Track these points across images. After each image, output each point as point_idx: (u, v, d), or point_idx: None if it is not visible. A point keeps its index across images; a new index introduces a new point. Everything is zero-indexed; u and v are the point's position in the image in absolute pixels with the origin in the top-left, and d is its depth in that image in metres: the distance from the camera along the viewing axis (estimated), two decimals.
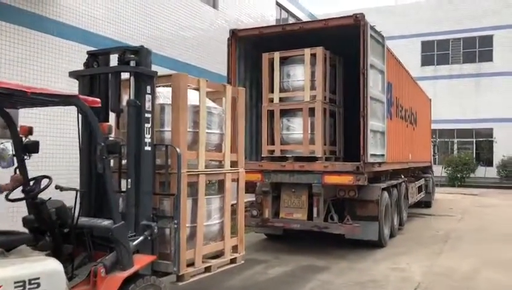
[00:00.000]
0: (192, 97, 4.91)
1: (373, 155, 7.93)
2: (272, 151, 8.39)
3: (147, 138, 4.36)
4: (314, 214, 7.87)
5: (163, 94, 4.89)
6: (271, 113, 8.39)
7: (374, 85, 8.08)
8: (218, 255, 5.20)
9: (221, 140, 5.23)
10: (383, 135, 8.58)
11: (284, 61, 8.44)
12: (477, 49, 27.34)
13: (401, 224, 10.68)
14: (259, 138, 9.07)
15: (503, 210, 15.10)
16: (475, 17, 26.77)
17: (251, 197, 9.01)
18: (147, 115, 4.35)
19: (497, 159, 25.63)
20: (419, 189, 13.70)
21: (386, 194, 8.92)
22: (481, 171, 25.69)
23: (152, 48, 4.50)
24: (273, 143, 8.39)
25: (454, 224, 11.89)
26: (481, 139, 27.10)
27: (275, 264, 7.48)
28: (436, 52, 28.07)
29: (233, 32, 8.69)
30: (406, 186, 11.25)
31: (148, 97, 4.37)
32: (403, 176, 11.18)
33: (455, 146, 27.80)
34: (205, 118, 4.91)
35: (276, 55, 8.35)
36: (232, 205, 5.41)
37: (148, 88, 4.39)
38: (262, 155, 8.45)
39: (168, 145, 4.56)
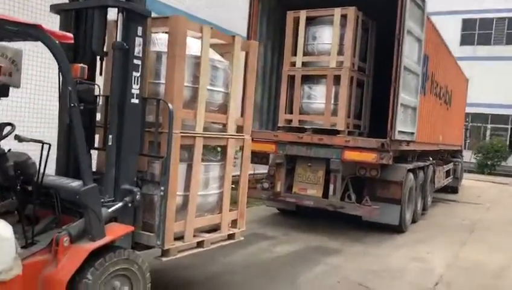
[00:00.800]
0: (194, 47, 4.18)
1: (401, 132, 7.09)
2: (290, 121, 7.63)
3: (135, 89, 3.69)
4: (330, 192, 7.13)
5: (162, 41, 4.18)
6: (291, 79, 7.59)
7: (410, 54, 7.16)
8: (214, 229, 4.55)
9: (226, 100, 4.50)
10: (414, 111, 7.69)
11: (310, 21, 7.55)
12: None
13: (425, 209, 9.86)
14: (277, 105, 8.31)
15: None
16: None
17: (265, 170, 8.34)
18: (135, 61, 3.66)
19: None
20: (447, 173, 12.76)
21: (411, 175, 8.10)
22: None
23: None
24: (291, 112, 7.62)
25: (481, 213, 10.99)
26: None
27: (283, 242, 6.84)
28: (477, 31, 26.31)
29: None
30: (433, 170, 10.37)
31: (138, 40, 3.67)
32: (431, 158, 10.30)
33: (488, 132, 26.35)
34: (207, 72, 4.17)
35: (303, 14, 7.47)
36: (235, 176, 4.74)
37: (140, 30, 3.68)
38: (279, 125, 7.69)
39: (159, 99, 3.87)
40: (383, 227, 7.70)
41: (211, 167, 4.38)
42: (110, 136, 3.62)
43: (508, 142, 25.07)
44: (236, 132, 4.65)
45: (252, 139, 4.96)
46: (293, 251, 6.41)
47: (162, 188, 3.71)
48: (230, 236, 4.63)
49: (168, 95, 3.89)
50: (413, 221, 8.68)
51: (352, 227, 7.86)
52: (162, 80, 4.05)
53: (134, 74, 3.66)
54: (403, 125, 7.14)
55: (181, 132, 3.94)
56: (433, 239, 7.77)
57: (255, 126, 7.29)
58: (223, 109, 4.51)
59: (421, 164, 9.03)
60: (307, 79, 7.50)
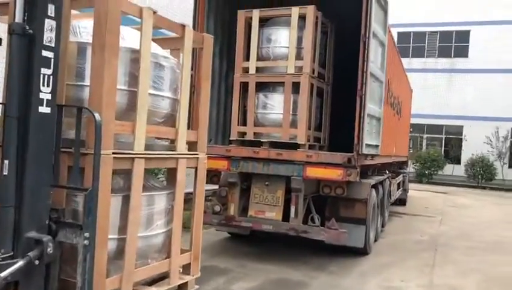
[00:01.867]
0: (130, 38, 3.09)
1: (368, 146, 6.30)
2: (243, 134, 6.62)
3: (44, 93, 2.54)
4: (292, 214, 6.18)
5: (86, 30, 3.05)
6: (244, 87, 6.60)
7: (375, 59, 6.41)
8: (161, 277, 3.44)
9: (174, 109, 3.44)
10: (378, 121, 6.96)
11: (264, 22, 6.64)
12: (453, 44, 26.30)
13: (383, 225, 9.19)
14: (227, 116, 7.30)
15: (478, 212, 13.93)
16: (453, 12, 25.62)
17: (212, 186, 7.26)
18: (45, 53, 2.52)
19: (465, 157, 24.75)
20: (398, 186, 12.30)
21: (374, 192, 7.34)
22: (449, 169, 24.80)
23: None
24: (244, 124, 6.62)
25: (436, 227, 10.52)
26: (451, 137, 26.20)
27: (239, 276, 5.76)
28: (412, 44, 26.83)
29: None
30: (389, 183, 9.76)
31: (49, 24, 2.54)
32: (387, 171, 9.70)
33: (424, 142, 26.83)
34: (149, 71, 3.09)
35: (255, 14, 6.53)
36: (186, 204, 3.65)
37: (51, 8, 2.55)
38: (231, 138, 6.66)
39: (82, 107, 2.74)
40: (346, 249, 6.86)
41: (156, 197, 3.28)
42: (7, 162, 2.45)
43: (443, 152, 25.60)
44: (188, 150, 3.58)
45: None
46: (253, 288, 5.37)
47: (87, 234, 2.56)
48: (182, 286, 3.53)
49: (94, 102, 2.76)
50: (375, 240, 7.94)
51: (313, 252, 6.95)
52: (86, 82, 2.91)
53: (44, 71, 2.52)
54: (369, 137, 6.36)
55: (114, 152, 2.82)
56: (401, 262, 7.01)
57: None
58: (171, 120, 3.43)
59: (380, 178, 8.34)
60: (262, 86, 6.54)
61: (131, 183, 3.01)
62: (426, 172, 23.85)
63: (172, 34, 3.61)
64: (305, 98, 6.20)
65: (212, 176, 6.59)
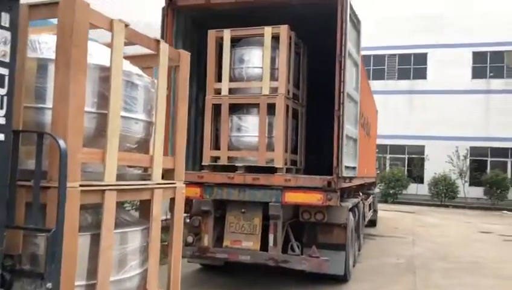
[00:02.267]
0: (99, 54, 2.72)
1: (347, 167, 6.07)
2: (216, 159, 6.26)
3: None
4: (270, 243, 5.82)
5: (47, 45, 2.66)
6: (217, 109, 6.28)
7: (350, 79, 6.25)
8: None
9: (149, 133, 3.07)
10: (355, 142, 6.76)
11: (236, 42, 6.38)
12: (412, 66, 27.02)
13: (359, 249, 8.95)
14: (198, 140, 6.93)
15: (448, 231, 13.97)
16: (411, 35, 26.39)
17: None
18: None
19: (428, 176, 25.18)
20: (369, 207, 12.16)
21: (351, 215, 7.09)
22: (413, 188, 25.14)
23: None
24: (218, 148, 6.27)
25: (410, 249, 10.38)
26: (413, 156, 26.63)
27: None
28: (372, 66, 27.36)
29: (170, 1, 6.48)
30: (363, 205, 9.58)
31: (2, 35, 2.15)
32: (360, 193, 9.52)
33: (387, 162, 27.15)
34: (120, 90, 2.72)
35: (227, 34, 6.26)
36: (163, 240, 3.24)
37: (4, 18, 2.16)
38: (203, 163, 6.27)
39: (43, 133, 2.33)
40: (326, 277, 6.53)
41: (129, 235, 2.87)
42: None
43: (406, 171, 25.94)
44: (164, 178, 3.20)
45: None
46: None
47: (49, 284, 2.13)
48: None
49: (58, 127, 2.36)
50: (353, 265, 7.66)
51: (291, 281, 6.58)
52: (48, 104, 2.51)
53: None
54: (347, 159, 6.14)
55: (81, 185, 2.42)
56: (382, 288, 6.76)
57: None
58: (145, 145, 3.05)
59: (355, 200, 8.12)
60: (236, 108, 6.24)
61: (102, 220, 2.59)
62: (391, 192, 24.05)
63: (144, 51, 3.26)
64: (281, 119, 5.93)
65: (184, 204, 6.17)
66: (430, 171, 24.93)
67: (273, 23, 6.10)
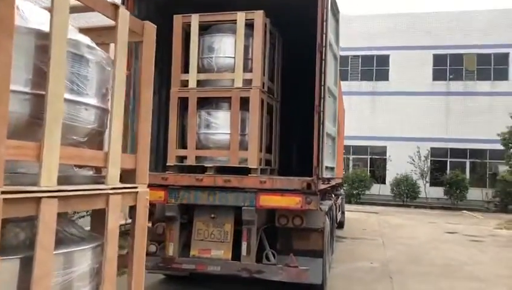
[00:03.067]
0: (35, 16, 2.03)
1: (327, 168, 5.54)
2: (183, 158, 5.59)
3: None
4: (243, 252, 5.19)
5: None
6: (183, 103, 5.59)
7: (329, 72, 5.71)
8: None
9: (103, 123, 2.39)
10: (333, 141, 6.26)
11: (205, 29, 5.73)
12: (374, 67, 27.06)
13: (332, 253, 8.47)
14: (161, 138, 6.23)
15: (415, 232, 13.77)
16: (371, 37, 26.45)
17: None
18: None
19: (390, 177, 25.23)
20: (338, 208, 11.75)
21: (327, 219, 6.58)
22: (375, 189, 25.14)
23: None
24: (184, 146, 5.59)
25: (381, 252, 10.00)
26: (376, 157, 26.67)
27: None
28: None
29: None
30: (335, 207, 9.12)
31: None
32: (333, 195, 9.05)
33: (350, 163, 27.07)
34: (65, 65, 2.04)
35: (195, 19, 5.60)
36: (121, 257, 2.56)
37: None
38: (168, 163, 5.57)
39: None
40: (301, 287, 5.97)
41: (76, 255, 2.18)
42: None
43: (368, 172, 25.93)
44: (123, 181, 2.53)
45: None
46: None
47: None
48: None
49: None
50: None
51: (259, 288, 5.99)
52: None
53: None
54: (327, 159, 5.60)
55: (5, 191, 1.73)
56: None
57: None
58: (97, 139, 2.37)
59: (329, 203, 7.62)
60: (205, 102, 5.57)
61: (37, 237, 1.90)
62: (354, 192, 23.94)
63: (99, 24, 2.58)
64: (256, 115, 5.32)
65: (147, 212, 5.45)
66: (392, 171, 25.00)
67: (244, 9, 5.48)
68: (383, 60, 26.80)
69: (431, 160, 25.04)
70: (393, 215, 18.35)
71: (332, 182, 7.20)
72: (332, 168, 6.12)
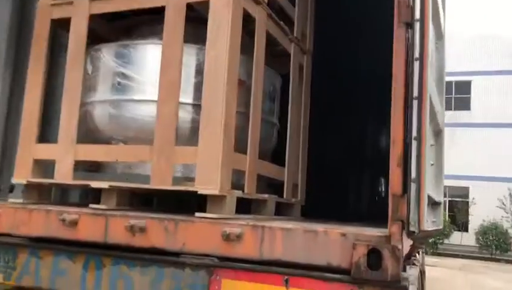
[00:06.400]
0: None
1: (432, 206, 1.89)
2: (48, 167, 2.19)
3: None
4: None
5: None
6: (60, 37, 2.27)
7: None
8: None
9: None
10: (438, 151, 2.59)
11: None
12: (453, 95, 23.26)
13: None
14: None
15: None
16: (450, 61, 22.62)
17: None
18: None
19: (474, 223, 20.66)
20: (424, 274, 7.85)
21: None
22: (456, 237, 20.57)
23: None
24: (47, 139, 2.21)
25: None
26: (456, 199, 22.19)
27: None
28: None
29: None
30: (421, 274, 5.36)
31: None
32: (418, 253, 5.32)
33: None
34: None
35: None
36: None
37: None
38: (14, 180, 2.19)
39: None
40: None
41: None
42: None
43: (447, 217, 21.50)
44: None
45: None
46: None
47: None
48: None
49: None
50: None
51: None
52: None
53: None
54: (430, 186, 1.99)
55: None
56: None
57: None
58: None
59: (415, 272, 3.98)
60: (108, 30, 2.19)
61: None
62: (430, 241, 19.51)
63: None
64: (225, 52, 1.84)
65: None
66: (477, 217, 20.45)
67: None
68: (464, 87, 22.57)
69: None
70: (485, 274, 13.92)
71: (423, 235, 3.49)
72: (437, 209, 2.44)
